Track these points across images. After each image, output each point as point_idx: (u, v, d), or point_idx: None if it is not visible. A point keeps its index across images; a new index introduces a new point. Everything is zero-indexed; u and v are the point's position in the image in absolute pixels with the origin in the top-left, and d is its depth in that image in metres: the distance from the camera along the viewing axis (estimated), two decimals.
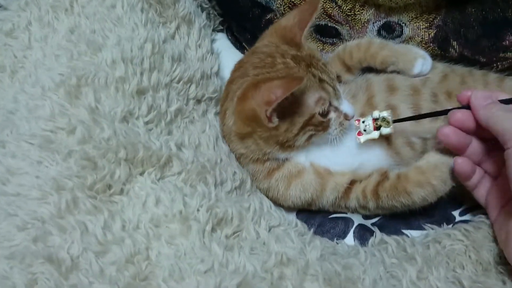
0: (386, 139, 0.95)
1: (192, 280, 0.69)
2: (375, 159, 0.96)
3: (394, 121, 0.89)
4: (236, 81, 0.93)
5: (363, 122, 0.90)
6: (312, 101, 0.86)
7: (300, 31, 0.93)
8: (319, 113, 0.87)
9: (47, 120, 0.80)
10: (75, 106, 0.82)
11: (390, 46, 1.01)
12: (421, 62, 0.98)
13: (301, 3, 1.08)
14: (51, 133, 0.79)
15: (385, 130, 0.89)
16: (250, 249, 0.73)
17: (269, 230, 0.78)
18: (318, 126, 0.89)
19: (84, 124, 0.79)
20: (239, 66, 0.97)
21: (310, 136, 0.90)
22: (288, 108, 0.85)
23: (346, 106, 0.91)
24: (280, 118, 0.85)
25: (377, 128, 0.89)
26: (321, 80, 0.88)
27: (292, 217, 0.95)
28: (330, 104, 0.89)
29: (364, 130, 0.90)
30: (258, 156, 0.95)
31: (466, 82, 0.99)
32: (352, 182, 0.94)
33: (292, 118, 0.86)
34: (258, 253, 0.72)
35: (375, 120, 0.90)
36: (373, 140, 0.92)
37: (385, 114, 0.89)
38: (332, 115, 0.90)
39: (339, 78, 1.04)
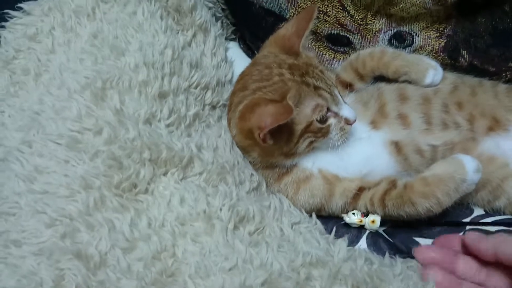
0: (395, 146, 0.97)
1: (217, 278, 0.70)
2: (384, 166, 0.97)
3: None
4: (237, 94, 0.95)
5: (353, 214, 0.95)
6: (309, 110, 0.88)
7: (298, 40, 0.95)
8: (317, 120, 0.88)
9: (74, 121, 0.82)
10: (101, 107, 0.84)
11: (403, 56, 1.03)
12: (433, 72, 1.01)
13: None
14: (78, 133, 0.81)
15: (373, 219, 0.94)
16: (278, 246, 0.74)
17: (292, 227, 0.79)
18: (317, 132, 0.90)
19: (110, 125, 0.81)
20: (240, 78, 0.99)
21: (311, 143, 0.92)
22: (285, 123, 0.86)
23: (346, 111, 0.92)
24: (278, 133, 0.86)
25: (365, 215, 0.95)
26: (316, 88, 0.89)
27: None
28: (329, 110, 0.90)
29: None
30: (266, 164, 0.97)
31: (477, 93, 1.02)
32: (361, 189, 0.96)
33: (290, 130, 0.88)
34: (285, 251, 0.73)
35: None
36: (382, 146, 0.97)
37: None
38: (332, 121, 0.91)
39: (352, 87, 1.07)
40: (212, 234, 0.76)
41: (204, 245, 0.74)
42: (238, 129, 0.93)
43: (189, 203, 0.78)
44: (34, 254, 0.72)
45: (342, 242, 0.76)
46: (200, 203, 0.79)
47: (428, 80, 1.01)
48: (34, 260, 0.71)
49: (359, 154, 0.98)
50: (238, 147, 0.99)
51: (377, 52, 1.05)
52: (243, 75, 0.99)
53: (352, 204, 0.97)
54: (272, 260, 0.71)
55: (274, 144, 0.88)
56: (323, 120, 0.89)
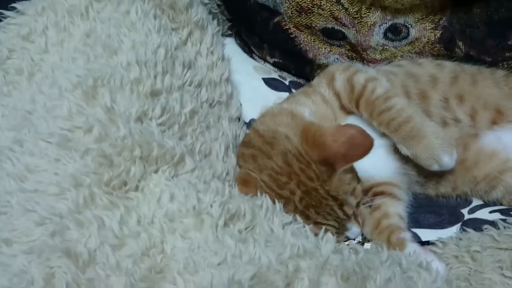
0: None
1: (206, 273, 0.69)
2: (387, 170, 1.00)
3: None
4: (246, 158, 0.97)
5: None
6: None
7: (341, 164, 0.86)
8: None
9: (64, 120, 0.82)
10: (92, 106, 0.83)
11: None
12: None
13: (308, 6, 1.10)
14: (68, 132, 0.81)
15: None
16: (265, 242, 0.73)
17: (283, 227, 0.78)
18: None
19: (100, 123, 0.81)
20: (262, 144, 0.96)
21: None
22: None
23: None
24: None
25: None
26: (316, 223, 0.89)
27: None
28: None
29: None
30: None
31: (477, 81, 1.00)
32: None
33: None
34: (273, 245, 0.72)
35: None
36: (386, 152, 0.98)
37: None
38: None
39: None
40: (201, 230, 0.75)
41: (193, 240, 0.74)
42: None
43: (179, 200, 0.78)
44: (25, 253, 0.72)
45: (330, 235, 0.75)
46: (190, 199, 0.78)
47: None
48: (25, 258, 0.71)
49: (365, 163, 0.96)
50: None
51: None
52: (259, 147, 0.96)
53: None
54: (260, 254, 0.70)
55: None
56: None
